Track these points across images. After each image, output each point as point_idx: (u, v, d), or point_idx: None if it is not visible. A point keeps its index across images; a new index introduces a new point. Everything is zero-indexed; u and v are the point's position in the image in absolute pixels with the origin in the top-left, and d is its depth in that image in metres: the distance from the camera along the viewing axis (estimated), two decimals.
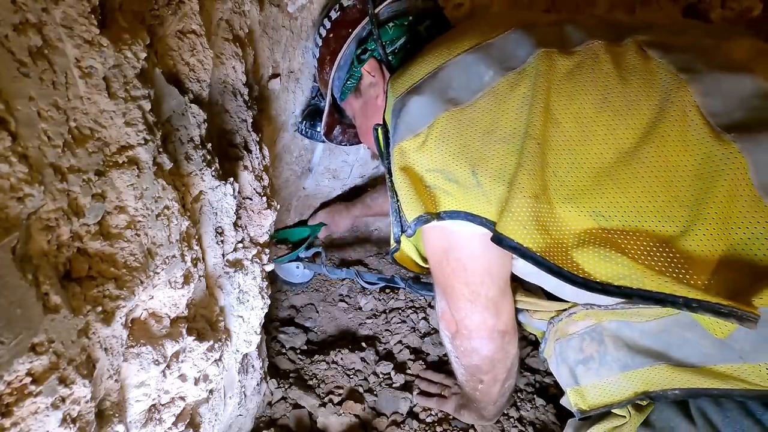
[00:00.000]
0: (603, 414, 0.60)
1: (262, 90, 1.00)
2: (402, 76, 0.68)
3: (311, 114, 0.99)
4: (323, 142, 1.04)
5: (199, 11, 0.65)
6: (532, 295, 0.74)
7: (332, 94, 0.89)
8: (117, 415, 0.54)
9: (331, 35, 0.84)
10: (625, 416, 0.58)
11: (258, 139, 0.91)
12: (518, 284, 0.76)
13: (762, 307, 0.42)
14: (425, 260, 0.76)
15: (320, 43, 0.88)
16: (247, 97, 0.86)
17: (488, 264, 0.63)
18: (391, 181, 0.66)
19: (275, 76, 1.02)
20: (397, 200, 0.65)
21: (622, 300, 0.55)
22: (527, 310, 0.76)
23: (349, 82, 0.84)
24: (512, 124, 0.56)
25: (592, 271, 0.50)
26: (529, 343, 1.24)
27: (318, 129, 0.99)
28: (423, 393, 1.11)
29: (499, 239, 0.55)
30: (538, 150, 0.54)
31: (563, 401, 0.67)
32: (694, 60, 0.52)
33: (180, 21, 0.63)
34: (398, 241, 0.70)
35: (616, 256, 0.48)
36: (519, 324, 0.77)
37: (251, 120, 0.87)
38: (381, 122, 0.71)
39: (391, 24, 0.78)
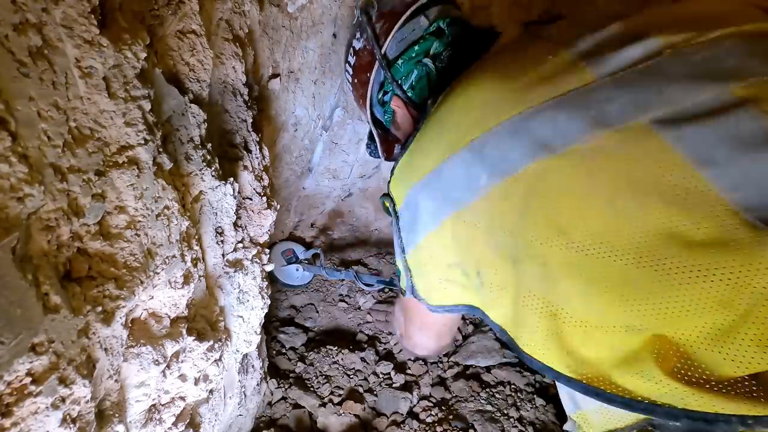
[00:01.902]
0: None
1: (262, 90, 1.00)
2: (412, 163, 0.67)
3: (372, 136, 1.01)
4: (391, 161, 1.07)
5: (199, 11, 0.65)
6: None
7: (380, 126, 0.93)
8: (117, 415, 0.54)
9: (356, 80, 0.88)
10: None
11: (258, 139, 0.91)
12: None
13: None
14: None
15: (351, 88, 0.92)
16: (247, 97, 0.86)
17: (449, 318, 0.72)
18: (404, 259, 0.68)
19: (275, 76, 1.02)
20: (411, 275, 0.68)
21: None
22: None
23: (386, 117, 0.88)
24: (508, 237, 0.53)
25: (634, 389, 0.45)
26: None
27: None
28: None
29: (529, 360, 0.54)
30: (540, 269, 0.50)
31: (568, 426, 0.64)
32: (718, 143, 0.44)
33: (180, 21, 0.63)
34: (410, 289, 0.72)
35: (653, 370, 0.43)
36: None
37: (251, 120, 0.87)
38: (387, 191, 0.72)
39: (400, 61, 0.79)
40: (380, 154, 0.97)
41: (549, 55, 0.57)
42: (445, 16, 0.78)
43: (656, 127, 0.46)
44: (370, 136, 0.96)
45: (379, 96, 0.84)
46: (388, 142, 0.97)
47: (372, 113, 0.89)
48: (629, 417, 0.52)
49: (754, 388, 0.39)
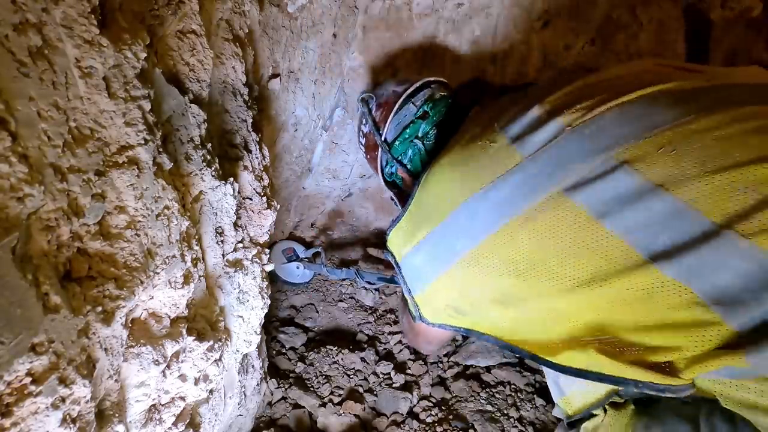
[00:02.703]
0: (586, 416, 0.69)
1: (262, 90, 1.00)
2: (403, 236, 0.82)
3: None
4: None
5: (199, 11, 0.65)
6: None
7: (395, 187, 1.09)
8: (117, 415, 0.54)
9: (368, 156, 1.06)
10: (600, 414, 0.67)
11: (258, 139, 0.91)
12: None
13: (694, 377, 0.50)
14: None
15: (366, 162, 1.11)
16: (247, 97, 0.86)
17: (452, 332, 0.81)
18: (412, 299, 0.80)
19: (275, 76, 1.02)
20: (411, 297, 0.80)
21: None
22: None
23: (398, 182, 1.04)
24: (489, 282, 0.66)
25: (573, 361, 0.59)
26: None
27: None
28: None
29: (515, 349, 0.67)
30: (525, 304, 0.64)
31: (555, 412, 0.74)
32: (609, 200, 0.56)
33: (180, 21, 0.63)
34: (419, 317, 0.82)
35: (588, 349, 0.57)
36: None
37: (251, 120, 0.87)
38: (386, 247, 0.86)
39: (397, 142, 0.96)
40: (399, 203, 1.13)
41: (491, 142, 0.73)
42: (430, 100, 0.95)
43: (567, 193, 0.60)
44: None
45: (387, 169, 1.02)
46: (405, 198, 1.11)
47: (385, 179, 1.06)
48: (599, 391, 0.65)
49: (663, 365, 0.52)
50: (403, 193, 1.10)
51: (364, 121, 1.03)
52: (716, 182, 0.50)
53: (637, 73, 0.69)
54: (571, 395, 0.69)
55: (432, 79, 0.99)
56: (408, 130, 0.95)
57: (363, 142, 1.06)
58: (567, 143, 0.63)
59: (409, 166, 0.97)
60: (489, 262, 0.66)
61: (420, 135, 0.95)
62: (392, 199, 1.12)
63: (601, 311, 0.57)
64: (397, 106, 0.95)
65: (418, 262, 0.78)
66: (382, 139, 0.97)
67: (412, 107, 0.95)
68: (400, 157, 0.97)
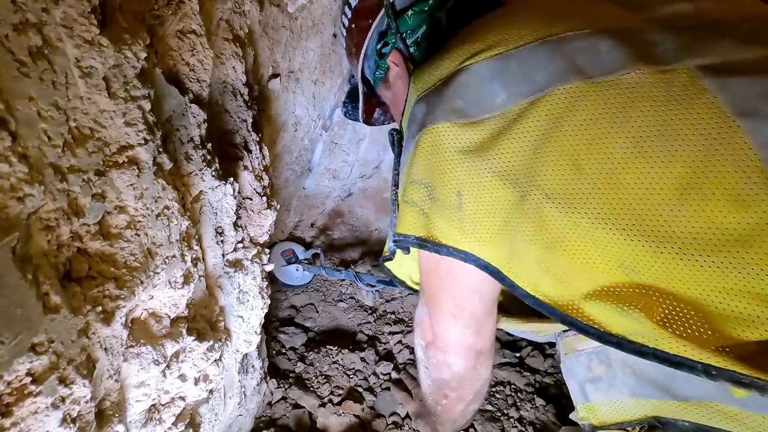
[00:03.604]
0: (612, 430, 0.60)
1: (262, 90, 1.00)
2: (422, 76, 0.63)
3: (353, 94, 0.93)
4: (369, 125, 0.99)
5: (199, 11, 0.65)
6: (534, 319, 0.68)
7: (365, 83, 0.86)
8: (117, 415, 0.54)
9: (353, 26, 0.81)
10: (630, 430, 0.58)
11: (258, 139, 0.91)
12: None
13: None
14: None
15: (344, 33, 0.84)
16: (247, 97, 0.86)
17: (480, 281, 0.58)
18: (396, 193, 0.65)
19: (275, 76, 1.02)
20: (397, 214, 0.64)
21: None
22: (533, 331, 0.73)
23: (378, 73, 0.81)
24: (516, 163, 0.50)
25: (606, 324, 0.46)
26: (529, 342, 1.24)
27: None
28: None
29: (511, 285, 0.52)
30: (545, 201, 0.48)
31: (572, 416, 0.65)
32: (763, 98, 0.42)
33: (180, 21, 0.63)
34: (393, 252, 0.68)
35: (632, 311, 0.43)
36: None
37: (251, 120, 0.87)
38: (399, 127, 0.68)
39: (410, 12, 0.73)
40: (360, 115, 0.90)
41: (594, 1, 0.56)
42: None
43: (700, 73, 0.45)
44: (351, 95, 0.89)
45: (378, 47, 0.78)
46: (371, 104, 0.91)
47: (363, 68, 0.81)
48: (636, 412, 0.53)
49: (730, 345, 0.38)
50: (372, 99, 0.87)
51: None
52: None
53: None
54: (596, 404, 0.58)
55: None
56: (431, 1, 0.72)
57: (353, 3, 0.80)
58: (716, 26, 0.49)
59: (412, 50, 0.73)
60: (535, 124, 0.48)
61: (447, 9, 0.71)
62: (346, 104, 0.88)
63: (666, 246, 0.41)
64: None
65: (419, 110, 0.59)
66: (391, 0, 0.73)
67: None
68: (404, 34, 0.73)
